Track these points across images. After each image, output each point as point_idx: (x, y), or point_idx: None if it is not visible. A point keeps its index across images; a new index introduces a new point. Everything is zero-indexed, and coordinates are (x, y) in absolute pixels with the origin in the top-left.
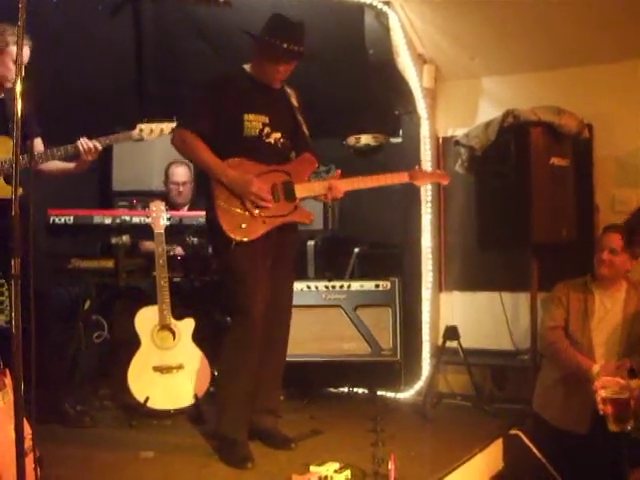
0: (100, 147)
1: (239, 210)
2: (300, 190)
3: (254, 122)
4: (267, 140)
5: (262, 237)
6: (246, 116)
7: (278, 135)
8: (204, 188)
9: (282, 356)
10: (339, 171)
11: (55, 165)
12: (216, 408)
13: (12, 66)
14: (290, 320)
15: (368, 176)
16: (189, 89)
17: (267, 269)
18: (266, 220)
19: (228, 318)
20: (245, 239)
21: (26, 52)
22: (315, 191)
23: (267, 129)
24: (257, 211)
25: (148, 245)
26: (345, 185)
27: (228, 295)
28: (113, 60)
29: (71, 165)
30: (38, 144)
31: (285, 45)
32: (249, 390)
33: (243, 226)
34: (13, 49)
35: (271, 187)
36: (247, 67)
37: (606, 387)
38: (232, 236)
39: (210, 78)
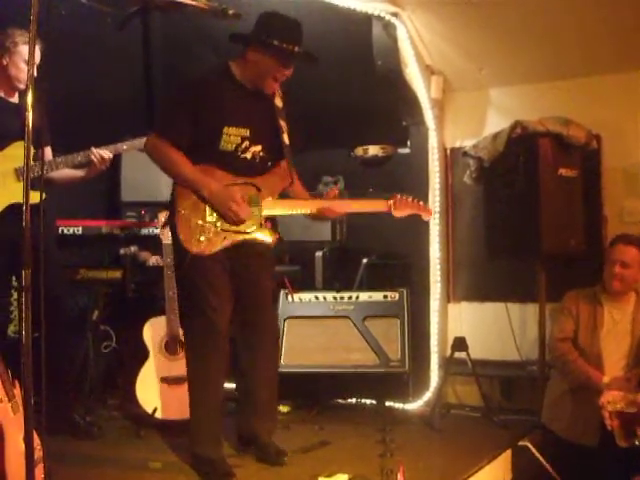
0: (111, 155)
1: (200, 221)
2: (267, 206)
3: (233, 136)
4: (242, 155)
5: (222, 252)
6: (226, 129)
7: (258, 148)
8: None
9: (273, 369)
10: (335, 191)
11: (65, 173)
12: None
13: (23, 66)
14: (276, 336)
15: (346, 200)
16: None
17: (228, 284)
18: (227, 236)
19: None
20: (202, 253)
21: (37, 52)
22: (292, 209)
23: (246, 143)
24: (219, 224)
25: (145, 256)
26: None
27: (186, 305)
28: (122, 71)
29: (80, 173)
30: (47, 153)
31: (296, 48)
32: (216, 405)
33: (201, 239)
34: (22, 49)
35: None
36: (233, 66)
37: (612, 402)
38: (188, 248)
39: (190, 79)
